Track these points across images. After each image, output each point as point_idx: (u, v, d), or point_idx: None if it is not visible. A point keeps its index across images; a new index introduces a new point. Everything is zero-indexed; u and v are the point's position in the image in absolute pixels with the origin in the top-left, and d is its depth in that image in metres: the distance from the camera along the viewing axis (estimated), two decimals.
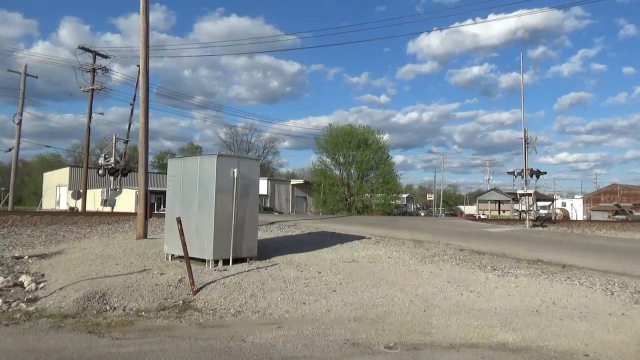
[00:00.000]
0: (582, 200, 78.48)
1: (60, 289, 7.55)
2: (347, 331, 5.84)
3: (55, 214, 19.99)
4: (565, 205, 70.46)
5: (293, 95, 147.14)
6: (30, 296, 7.42)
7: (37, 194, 59.66)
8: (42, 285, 8.07)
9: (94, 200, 35.22)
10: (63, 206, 48.46)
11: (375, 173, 48.33)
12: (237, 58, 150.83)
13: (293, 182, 61.80)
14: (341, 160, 48.32)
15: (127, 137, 29.76)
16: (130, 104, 29.74)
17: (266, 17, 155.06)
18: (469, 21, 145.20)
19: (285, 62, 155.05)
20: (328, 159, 49.06)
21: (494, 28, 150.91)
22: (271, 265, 9.28)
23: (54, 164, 68.53)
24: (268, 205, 52.85)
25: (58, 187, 53.81)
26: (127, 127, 30.36)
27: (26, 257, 10.58)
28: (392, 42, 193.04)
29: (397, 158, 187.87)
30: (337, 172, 48.90)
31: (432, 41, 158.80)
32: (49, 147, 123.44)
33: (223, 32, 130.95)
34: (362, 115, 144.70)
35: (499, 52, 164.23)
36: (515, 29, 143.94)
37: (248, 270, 8.73)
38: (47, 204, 52.89)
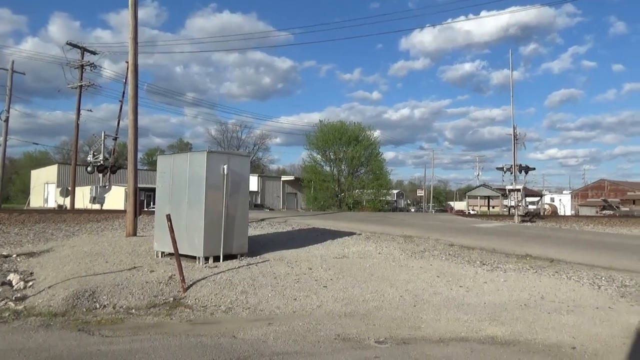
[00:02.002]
0: (570, 195, 79.27)
1: (49, 287, 7.49)
2: (337, 326, 5.87)
3: (43, 212, 19.81)
4: (553, 201, 71.14)
5: (285, 91, 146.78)
6: (18, 295, 7.36)
7: (25, 192, 59.01)
8: (30, 283, 8.00)
9: (83, 197, 34.87)
10: (51, 204, 47.94)
11: (366, 169, 48.43)
12: (229, 54, 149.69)
13: (284, 178, 61.69)
14: (332, 156, 48.35)
15: (116, 134, 29.53)
16: (120, 101, 29.50)
17: (259, 13, 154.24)
18: (462, 18, 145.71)
19: (277, 59, 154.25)
20: (319, 156, 49.06)
21: (486, 25, 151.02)
22: (262, 262, 9.28)
23: (42, 161, 67.77)
24: (259, 201, 52.75)
25: (46, 185, 53.21)
26: (116, 123, 30.14)
27: (14, 255, 10.47)
28: (385, 39, 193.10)
29: (388, 154, 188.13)
30: (328, 169, 48.92)
31: (425, 38, 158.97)
32: (37, 144, 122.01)
33: (215, 28, 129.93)
34: (354, 111, 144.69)
35: (491, 48, 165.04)
36: (507, 26, 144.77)
37: (239, 267, 8.72)
38: (35, 201, 52.29)
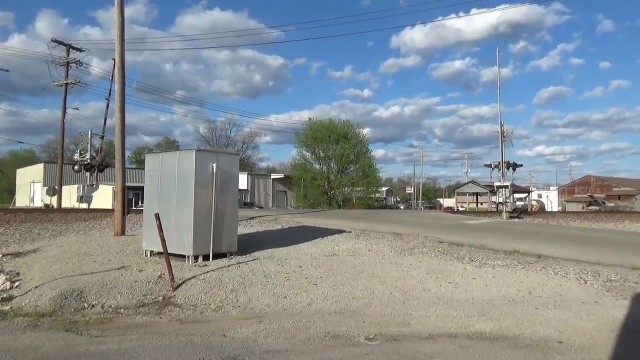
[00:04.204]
0: (557, 191, 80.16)
1: (36, 287, 7.41)
2: (327, 324, 5.88)
3: (29, 211, 19.56)
4: (541, 197, 71.89)
5: (276, 89, 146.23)
6: (5, 295, 7.27)
7: (10, 191, 58.17)
8: (17, 284, 7.90)
9: (70, 196, 34.52)
10: (37, 203, 47.35)
11: (355, 167, 48.60)
12: (219, 52, 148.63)
13: (273, 176, 61.60)
14: (321, 154, 48.39)
15: (103, 133, 29.24)
16: (106, 99, 29.16)
17: (250, 10, 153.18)
18: (452, 16, 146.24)
19: (268, 56, 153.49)
20: (308, 153, 49.13)
21: (477, 23, 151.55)
22: (252, 260, 9.27)
23: (28, 160, 66.80)
24: (248, 200, 52.60)
25: (32, 184, 52.51)
26: (103, 122, 29.85)
27: (0, 255, 10.33)
28: (376, 36, 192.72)
29: (378, 152, 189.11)
30: (317, 166, 48.98)
31: (416, 35, 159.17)
32: (22, 142, 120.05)
33: (206, 25, 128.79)
34: (344, 109, 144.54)
35: (481, 46, 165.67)
36: (497, 24, 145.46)
37: (228, 265, 8.70)
38: (21, 201, 51.59)
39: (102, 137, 29.23)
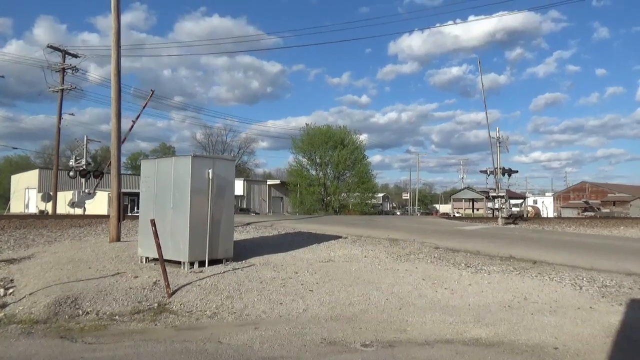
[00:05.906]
0: (552, 197, 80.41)
1: (31, 294, 7.36)
2: (323, 330, 5.87)
3: (24, 217, 19.45)
4: (536, 203, 72.04)
5: (274, 95, 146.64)
6: None
7: (5, 197, 57.90)
8: (11, 291, 7.85)
9: (65, 202, 34.38)
10: (32, 209, 47.16)
11: (352, 173, 48.70)
12: (217, 58, 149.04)
13: (270, 182, 61.57)
14: (317, 160, 48.51)
15: (123, 140, 28.83)
16: (132, 121, 27.22)
17: (249, 17, 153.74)
18: (450, 22, 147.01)
19: (266, 63, 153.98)
20: (304, 159, 49.24)
21: (474, 30, 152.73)
22: (248, 266, 9.25)
23: (23, 165, 66.53)
24: (244, 206, 52.54)
25: (27, 190, 52.31)
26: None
27: None
28: (374, 43, 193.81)
29: (375, 158, 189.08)
30: (314, 172, 49.06)
31: (413, 42, 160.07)
32: (16, 148, 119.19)
33: (204, 32, 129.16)
34: (342, 115, 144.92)
35: (478, 53, 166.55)
36: (494, 31, 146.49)
37: (224, 272, 8.68)
38: (16, 207, 51.37)
39: (120, 148, 28.80)
